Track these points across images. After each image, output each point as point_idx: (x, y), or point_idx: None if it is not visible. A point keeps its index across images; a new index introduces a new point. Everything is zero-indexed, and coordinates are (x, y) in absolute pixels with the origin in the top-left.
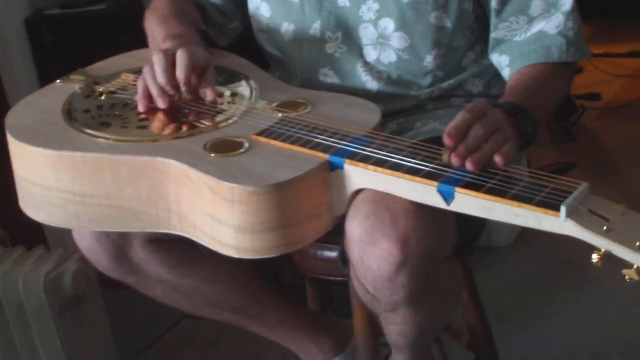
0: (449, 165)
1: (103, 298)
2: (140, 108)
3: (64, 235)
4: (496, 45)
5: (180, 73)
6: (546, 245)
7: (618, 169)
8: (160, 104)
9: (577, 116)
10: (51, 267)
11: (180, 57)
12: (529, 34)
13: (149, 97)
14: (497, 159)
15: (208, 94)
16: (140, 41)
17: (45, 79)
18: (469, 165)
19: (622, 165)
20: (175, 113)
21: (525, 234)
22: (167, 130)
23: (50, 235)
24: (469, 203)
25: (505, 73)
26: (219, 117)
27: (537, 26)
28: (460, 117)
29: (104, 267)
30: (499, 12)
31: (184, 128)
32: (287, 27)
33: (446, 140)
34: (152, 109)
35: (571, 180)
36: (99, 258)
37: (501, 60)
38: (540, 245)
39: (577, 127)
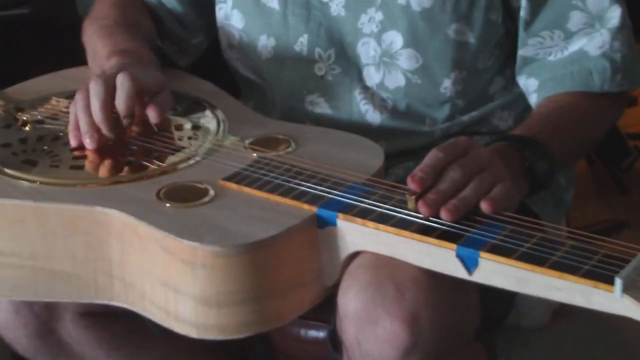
0: (414, 213)
1: None
2: (72, 142)
3: None
4: (524, 65)
5: (120, 103)
6: (590, 328)
7: None
8: (89, 143)
9: (629, 161)
10: None
11: (122, 83)
12: (565, 53)
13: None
14: (484, 205)
15: (151, 114)
16: (74, 55)
17: None
18: (444, 215)
19: None
20: (121, 150)
21: (564, 312)
22: (110, 172)
23: None
24: (497, 272)
25: (533, 99)
26: (177, 157)
27: (577, 44)
28: (430, 156)
29: (23, 347)
30: (528, 24)
31: (132, 169)
32: (264, 42)
33: (410, 184)
34: None
35: (626, 244)
36: (16, 335)
37: (528, 84)
38: (583, 327)
39: (629, 174)
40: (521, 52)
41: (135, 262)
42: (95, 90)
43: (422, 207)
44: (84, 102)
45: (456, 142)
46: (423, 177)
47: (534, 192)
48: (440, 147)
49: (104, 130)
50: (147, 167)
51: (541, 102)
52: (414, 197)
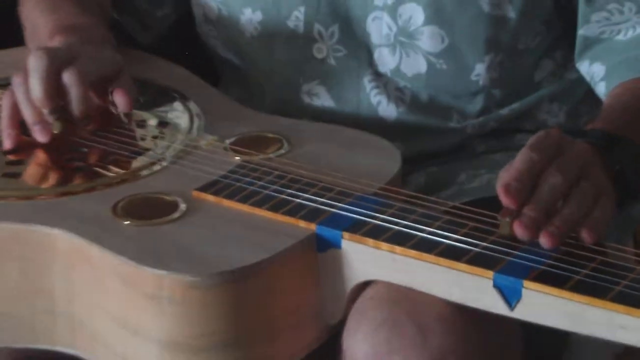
0: (510, 239)
1: None
2: (7, 143)
3: None
4: (587, 47)
5: (74, 109)
6: None
7: None
8: (40, 135)
9: None
10: None
11: (72, 84)
12: (638, 30)
13: (19, 124)
14: (585, 234)
15: (120, 101)
16: (10, 34)
17: None
18: (544, 241)
19: None
20: (68, 153)
21: (629, 356)
22: (54, 181)
23: None
24: (545, 307)
25: (600, 89)
26: (139, 161)
27: None
28: (523, 158)
29: None
30: None
31: (81, 178)
32: (249, 16)
33: (504, 199)
34: (26, 145)
35: None
36: None
37: (594, 71)
38: None
39: None
40: (582, 31)
41: (86, 295)
42: (35, 65)
43: (519, 228)
44: (23, 87)
45: (548, 136)
46: (519, 189)
47: (620, 204)
48: (532, 145)
49: (45, 112)
50: (100, 174)
51: (613, 91)
52: (508, 218)
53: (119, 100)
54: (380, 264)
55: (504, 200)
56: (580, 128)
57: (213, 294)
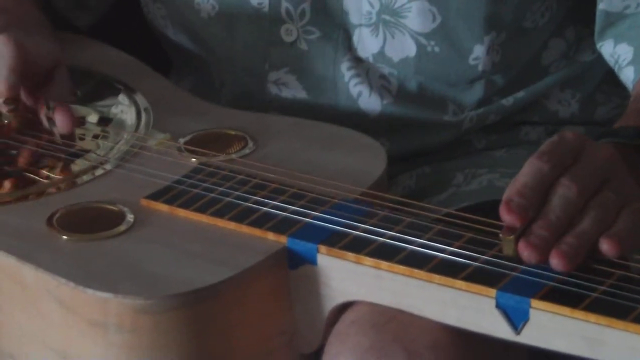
0: (514, 261)
1: None
2: None
3: None
4: (610, 25)
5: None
6: None
7: None
8: None
9: None
10: None
11: (4, 53)
12: None
13: None
14: (606, 246)
15: (59, 119)
16: None
17: None
18: (555, 263)
19: None
20: None
21: None
22: None
23: None
24: (557, 330)
25: (627, 75)
26: (78, 165)
27: None
28: (529, 169)
29: None
30: None
31: (10, 185)
32: None
33: (505, 216)
34: None
35: None
36: None
37: (619, 53)
38: None
39: None
40: (603, 4)
41: (18, 323)
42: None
43: (526, 249)
44: None
45: (562, 141)
46: (523, 205)
47: None
48: (542, 152)
49: None
50: (33, 180)
51: None
52: (512, 237)
53: (59, 118)
54: (362, 282)
55: (505, 218)
56: (607, 128)
57: (167, 320)
